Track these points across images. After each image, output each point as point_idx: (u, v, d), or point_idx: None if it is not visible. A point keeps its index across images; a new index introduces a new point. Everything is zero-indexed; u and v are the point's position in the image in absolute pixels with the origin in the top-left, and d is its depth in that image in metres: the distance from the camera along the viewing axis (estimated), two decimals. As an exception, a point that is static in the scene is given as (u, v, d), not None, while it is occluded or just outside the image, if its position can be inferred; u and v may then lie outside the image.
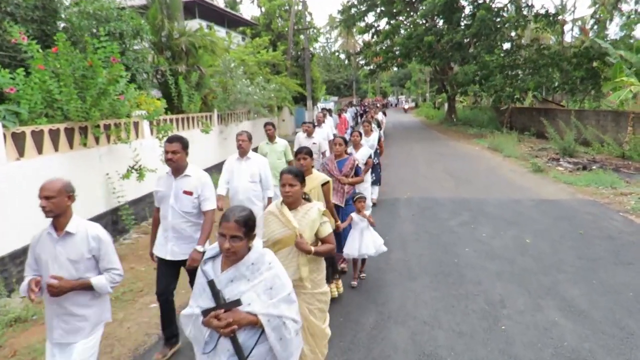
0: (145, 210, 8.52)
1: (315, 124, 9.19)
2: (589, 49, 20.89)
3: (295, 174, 2.88)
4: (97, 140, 7.28)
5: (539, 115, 22.21)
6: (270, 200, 5.09)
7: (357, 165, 5.35)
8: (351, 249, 4.82)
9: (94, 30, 8.45)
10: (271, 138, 6.54)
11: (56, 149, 6.36)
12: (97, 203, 7.12)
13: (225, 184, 5.16)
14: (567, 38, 32.32)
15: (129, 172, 7.58)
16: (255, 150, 5.74)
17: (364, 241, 4.80)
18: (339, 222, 4.58)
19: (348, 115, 17.57)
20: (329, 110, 15.10)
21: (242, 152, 5.08)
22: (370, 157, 6.70)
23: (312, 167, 4.04)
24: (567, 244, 5.95)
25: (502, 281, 4.79)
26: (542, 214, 7.47)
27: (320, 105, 33.28)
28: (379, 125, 10.71)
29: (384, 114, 19.63)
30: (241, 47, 19.60)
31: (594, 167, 12.22)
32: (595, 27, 30.73)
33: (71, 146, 6.72)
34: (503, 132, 21.35)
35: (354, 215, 4.88)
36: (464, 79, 22.85)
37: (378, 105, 23.64)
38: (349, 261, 5.20)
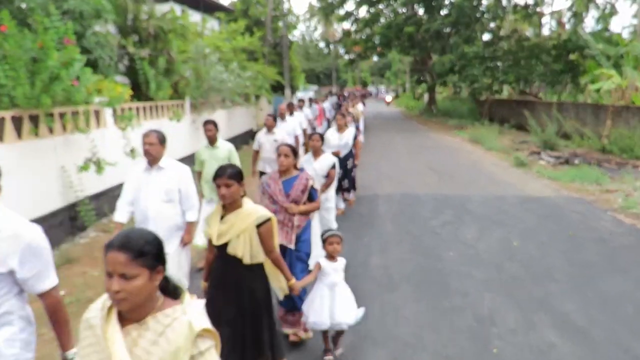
0: (106, 206, 7.86)
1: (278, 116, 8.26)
2: (567, 42, 20.83)
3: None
4: (51, 129, 6.60)
5: (519, 107, 22.08)
6: (191, 226, 3.83)
7: (312, 186, 3.64)
8: (320, 317, 3.15)
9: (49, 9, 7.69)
10: (212, 140, 5.31)
11: (0, 138, 5.69)
12: (51, 198, 6.45)
13: (127, 205, 3.81)
14: (545, 31, 32.51)
15: (86, 164, 6.90)
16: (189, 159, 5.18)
17: (339, 303, 3.18)
18: (292, 279, 2.95)
19: (327, 104, 16.94)
20: (310, 100, 14.43)
21: (151, 160, 3.78)
22: (333, 167, 5.02)
23: (242, 196, 2.68)
24: (556, 247, 5.59)
25: (491, 291, 4.37)
26: (528, 212, 7.13)
27: (299, 94, 32.62)
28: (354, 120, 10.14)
29: (363, 104, 19.13)
30: (216, 32, 18.74)
31: (576, 162, 12.03)
32: (572, 20, 30.87)
33: (20, 136, 6.04)
34: (483, 124, 21.20)
35: (322, 262, 3.25)
36: (442, 69, 22.58)
37: (357, 94, 23.08)
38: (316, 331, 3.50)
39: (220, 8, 27.23)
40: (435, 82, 25.42)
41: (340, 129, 6.95)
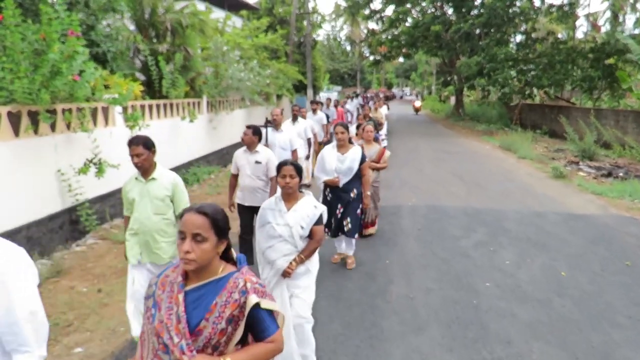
0: (107, 210, 7.36)
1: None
2: (605, 45, 19.56)
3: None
4: (52, 127, 6.13)
5: (552, 112, 20.91)
6: None
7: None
8: None
9: (54, -1, 7.24)
10: (145, 171, 3.38)
11: None
12: (50, 200, 5.98)
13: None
14: (578, 34, 30.96)
15: (86, 166, 6.39)
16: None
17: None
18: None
19: (350, 106, 16.17)
20: (328, 102, 13.48)
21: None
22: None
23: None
24: (613, 279, 4.74)
25: (539, 339, 3.58)
26: (573, 233, 6.25)
27: (322, 94, 31.97)
28: (376, 127, 9.00)
29: (387, 107, 18.27)
30: (237, 29, 18.24)
31: (620, 174, 11.00)
32: (608, 23, 29.30)
33: (17, 133, 5.57)
34: (514, 130, 20.10)
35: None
36: (468, 71, 21.52)
37: (381, 96, 22.21)
38: None
39: (246, 6, 26.84)
40: (463, 85, 24.28)
41: (342, 146, 4.98)
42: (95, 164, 6.38)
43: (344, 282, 4.55)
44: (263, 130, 5.53)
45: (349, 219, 4.92)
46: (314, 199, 3.12)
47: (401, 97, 67.20)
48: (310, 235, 3.02)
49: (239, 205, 4.98)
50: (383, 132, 13.51)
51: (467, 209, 7.47)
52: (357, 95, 23.00)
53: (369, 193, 5.05)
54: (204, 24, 11.92)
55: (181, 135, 10.39)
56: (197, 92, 11.94)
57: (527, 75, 20.61)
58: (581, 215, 7.11)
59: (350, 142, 5.07)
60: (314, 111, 10.32)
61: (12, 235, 5.49)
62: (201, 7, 15.10)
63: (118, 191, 7.65)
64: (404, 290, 4.48)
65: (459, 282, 4.64)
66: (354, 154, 4.89)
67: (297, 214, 2.97)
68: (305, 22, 25.29)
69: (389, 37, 26.10)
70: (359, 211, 4.99)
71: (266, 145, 5.62)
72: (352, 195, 4.94)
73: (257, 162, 4.75)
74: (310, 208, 3.01)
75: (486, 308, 4.08)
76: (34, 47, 5.62)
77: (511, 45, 23.90)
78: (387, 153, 5.89)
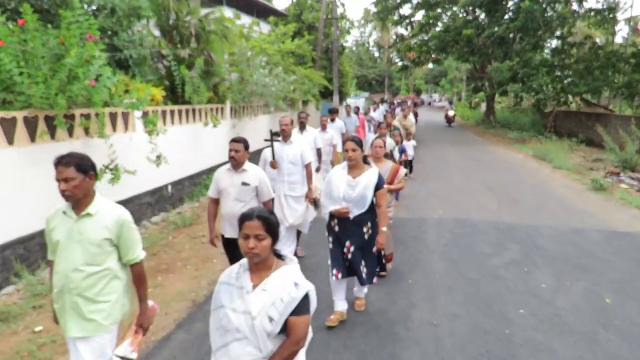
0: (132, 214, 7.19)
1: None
2: (650, 49, 18.53)
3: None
4: (70, 132, 6.05)
5: (589, 120, 19.92)
6: None
7: None
8: None
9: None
10: (77, 203, 2.47)
11: (10, 142, 5.17)
12: None
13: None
14: (617, 38, 29.57)
15: (101, 171, 6.25)
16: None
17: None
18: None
19: (376, 114, 15.72)
20: (349, 109, 12.87)
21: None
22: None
23: None
24: (666, 310, 4.20)
25: (583, 381, 3.12)
26: (618, 253, 5.68)
27: (350, 100, 31.64)
28: (402, 136, 8.45)
29: (415, 114, 17.46)
30: (264, 35, 18.16)
31: (665, 187, 10.21)
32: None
33: (32, 139, 5.49)
34: (547, 138, 19.24)
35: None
36: (500, 77, 20.74)
37: (409, 103, 21.64)
38: None
39: (274, 12, 26.89)
40: (495, 91, 23.46)
41: (353, 167, 3.89)
42: (110, 169, 6.23)
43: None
44: (269, 146, 5.27)
45: (363, 263, 3.88)
46: (297, 271, 2.05)
47: (429, 104, 66.12)
48: (286, 332, 1.96)
49: (223, 237, 4.14)
50: (409, 148, 12.67)
51: (498, 223, 6.96)
52: (383, 102, 22.51)
53: (384, 229, 3.85)
54: (227, 30, 11.80)
55: (203, 141, 10.27)
56: (220, 97, 11.83)
57: (563, 82, 19.68)
58: (625, 234, 6.49)
59: (365, 161, 3.91)
60: (333, 120, 9.76)
61: (26, 242, 5.39)
62: (229, 13, 15.13)
63: (136, 197, 7.56)
64: (427, 315, 4.07)
65: (489, 308, 4.19)
66: (369, 177, 3.76)
67: (266, 296, 1.95)
68: (333, 28, 25.05)
69: (418, 42, 25.59)
70: (374, 249, 3.91)
71: (273, 161, 5.19)
72: (364, 230, 3.83)
73: (244, 184, 3.90)
74: (287, 287, 1.96)
75: (520, 340, 3.62)
76: (54, 52, 5.55)
77: (546, 51, 23.01)
78: (403, 171, 4.87)
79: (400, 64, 31.40)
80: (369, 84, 55.53)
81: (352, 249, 3.86)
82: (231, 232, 3.94)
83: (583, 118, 20.72)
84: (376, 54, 56.31)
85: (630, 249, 5.85)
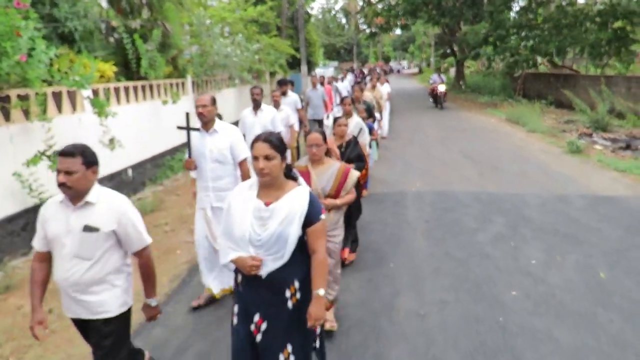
0: None
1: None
2: (615, 7, 18.37)
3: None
4: (6, 116, 5.32)
5: (557, 82, 19.88)
6: None
7: None
8: None
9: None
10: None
11: None
12: (6, 199, 5.18)
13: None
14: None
15: (36, 157, 5.54)
16: None
17: None
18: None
19: (345, 84, 15.05)
20: (315, 80, 10.65)
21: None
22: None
23: None
24: (664, 281, 3.95)
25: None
26: (605, 220, 5.44)
27: (318, 70, 30.74)
28: (370, 114, 6.77)
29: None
30: (223, 3, 17.08)
31: (639, 146, 10.16)
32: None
33: (-41, 124, 4.77)
34: (517, 101, 19.13)
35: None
36: (475, 40, 20.29)
37: (378, 71, 20.98)
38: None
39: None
40: (467, 56, 23.05)
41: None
42: (48, 156, 5.53)
43: (342, 295, 3.76)
44: (189, 137, 3.81)
45: (289, 350, 2.24)
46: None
47: (398, 71, 65.58)
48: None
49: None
50: (385, 116, 11.46)
51: (481, 194, 6.64)
52: (352, 71, 21.79)
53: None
54: (182, -5, 10.84)
55: (163, 120, 9.53)
56: (180, 71, 11.01)
57: (533, 42, 19.42)
58: (609, 198, 6.28)
59: (289, 174, 2.32)
60: (284, 93, 7.95)
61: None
62: None
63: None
64: (414, 304, 3.69)
65: (479, 292, 3.85)
66: (291, 204, 2.19)
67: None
68: (297, -6, 23.96)
69: (386, 7, 24.82)
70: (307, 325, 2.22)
71: (189, 160, 3.76)
72: (287, 295, 2.24)
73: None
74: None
75: (516, 328, 3.29)
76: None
77: (507, 14, 22.66)
78: (354, 175, 3.28)
79: (368, 31, 30.57)
80: (337, 53, 54.45)
81: (263, 326, 2.24)
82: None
83: (551, 80, 20.65)
84: (343, 21, 55.01)
85: (616, 215, 5.63)
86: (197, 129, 3.79)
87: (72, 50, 7.41)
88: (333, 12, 53.70)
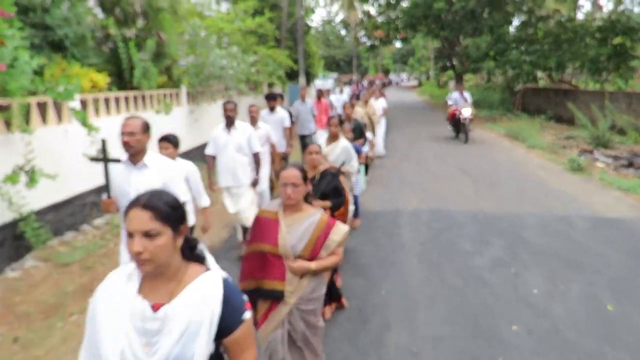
0: (64, 221, 6.32)
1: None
2: (615, 23, 18.34)
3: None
4: None
5: (557, 97, 19.77)
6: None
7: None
8: None
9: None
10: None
11: None
12: None
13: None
14: (579, 15, 29.43)
15: (15, 174, 5.27)
16: None
17: None
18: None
19: (344, 97, 14.80)
20: (304, 92, 10.01)
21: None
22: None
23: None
24: (675, 315, 3.66)
25: None
26: (608, 244, 5.16)
27: (318, 82, 30.61)
28: (360, 134, 6.29)
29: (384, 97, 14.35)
30: (221, 13, 16.96)
31: (644, 164, 9.94)
32: (611, 2, 28.02)
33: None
34: (517, 116, 18.96)
35: None
36: (476, 53, 20.15)
37: (377, 83, 20.72)
38: None
39: (234, -10, 25.49)
40: (467, 69, 22.90)
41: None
42: (26, 172, 5.26)
43: (328, 328, 3.47)
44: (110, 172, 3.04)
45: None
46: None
47: (397, 84, 65.71)
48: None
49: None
50: (379, 134, 10.58)
51: (478, 214, 6.36)
52: (351, 82, 21.57)
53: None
54: (179, 7, 10.68)
55: (157, 130, 9.30)
56: (174, 82, 10.81)
57: (533, 56, 19.33)
58: (613, 220, 6.00)
59: (190, 255, 1.52)
60: (272, 109, 7.03)
61: None
62: None
63: (78, 197, 6.58)
64: (406, 339, 3.39)
65: (477, 325, 3.55)
66: (196, 303, 1.38)
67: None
68: (297, 6, 23.93)
69: (386, 20, 24.78)
70: None
71: (107, 200, 2.99)
72: None
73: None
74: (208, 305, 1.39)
75: (518, 370, 3.00)
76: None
77: (506, 29, 22.62)
78: (341, 230, 2.44)
79: (368, 43, 30.54)
80: (337, 65, 54.53)
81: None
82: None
83: (551, 95, 20.53)
84: (343, 33, 55.21)
85: (620, 238, 5.35)
86: (118, 161, 3.04)
87: (65, 59, 7.21)
88: (333, 25, 53.87)
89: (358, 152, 5.18)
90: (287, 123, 7.11)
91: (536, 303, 3.86)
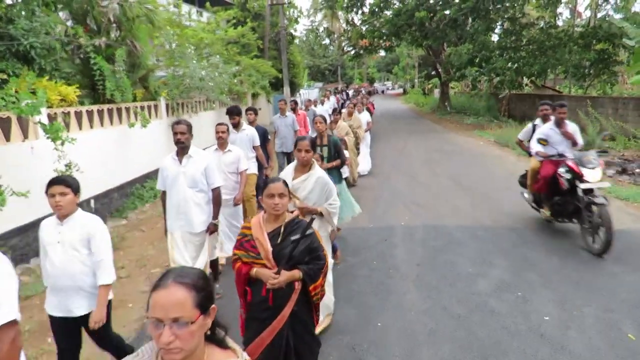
0: (31, 246, 5.82)
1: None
2: (597, 29, 18.45)
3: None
4: None
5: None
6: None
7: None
8: None
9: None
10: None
11: None
12: None
13: None
14: (559, 22, 29.75)
15: (-24, 195, 4.76)
16: None
17: None
18: None
19: (325, 107, 14.43)
20: (284, 105, 8.86)
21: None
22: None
23: None
24: None
25: None
26: (618, 260, 4.78)
27: (303, 91, 30.28)
28: (337, 153, 5.05)
29: (369, 109, 13.68)
30: (202, 23, 16.54)
31: (636, 170, 9.70)
32: (589, 9, 28.42)
33: None
34: (503, 122, 18.84)
35: None
36: (459, 61, 20.08)
37: (363, 91, 20.42)
38: None
39: (218, 2, 25.11)
40: (452, 77, 22.83)
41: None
42: (-8, 190, 4.74)
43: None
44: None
45: None
46: None
47: (382, 92, 65.87)
48: None
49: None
50: (364, 151, 9.71)
51: (476, 229, 5.97)
52: (337, 92, 21.28)
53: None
54: (153, 13, 10.22)
55: (133, 145, 8.84)
56: (152, 93, 10.34)
57: (518, 63, 19.31)
58: (618, 233, 5.63)
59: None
60: (236, 126, 5.84)
61: None
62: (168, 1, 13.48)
63: (46, 218, 6.07)
64: (408, 386, 2.95)
65: (488, 364, 3.13)
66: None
67: None
68: (279, 15, 23.65)
69: (370, 29, 24.65)
70: None
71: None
72: None
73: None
74: None
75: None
76: None
77: (496, 32, 22.65)
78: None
79: (352, 52, 30.38)
80: (322, 74, 54.38)
81: None
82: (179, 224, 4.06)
83: (536, 100, 20.46)
84: (327, 42, 55.18)
85: (629, 253, 4.99)
86: None
87: (32, 71, 6.72)
88: (317, 34, 53.81)
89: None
90: (257, 141, 6.01)
91: (550, 334, 3.45)
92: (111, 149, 8.05)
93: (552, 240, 5.52)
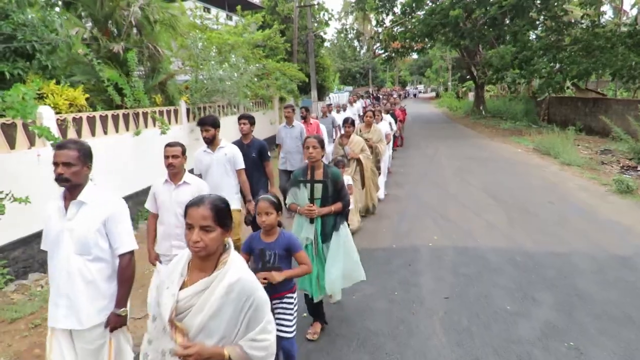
0: (35, 258, 5.52)
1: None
2: (650, 28, 17.05)
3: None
4: None
5: (585, 106, 18.42)
6: None
7: None
8: None
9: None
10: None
11: None
12: None
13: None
14: (601, 20, 27.99)
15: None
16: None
17: None
18: None
19: (353, 110, 13.78)
20: (290, 113, 7.14)
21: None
22: None
23: None
24: None
25: None
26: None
27: (332, 95, 29.71)
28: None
29: (399, 115, 12.85)
30: (229, 26, 16.25)
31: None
32: (636, 8, 26.57)
33: None
34: (542, 127, 17.67)
35: None
36: (500, 62, 18.91)
37: (394, 95, 19.61)
38: None
39: (247, 5, 24.98)
40: (490, 78, 21.56)
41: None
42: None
43: None
44: None
45: None
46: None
47: (414, 96, 64.55)
48: None
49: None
50: (383, 168, 7.92)
51: (515, 253, 5.19)
52: (365, 95, 20.54)
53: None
54: (175, 18, 9.90)
55: (151, 152, 8.48)
56: (171, 98, 10.01)
57: (562, 64, 18.06)
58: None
59: None
60: (208, 140, 4.62)
61: None
62: (199, 6, 13.24)
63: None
64: None
65: None
66: None
67: None
68: (307, 17, 23.21)
69: (402, 29, 23.86)
70: None
71: None
72: None
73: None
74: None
75: None
76: None
77: (537, 31, 21.38)
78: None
79: (384, 55, 29.64)
80: (353, 78, 53.72)
81: None
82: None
83: (579, 104, 19.18)
84: (357, 44, 54.52)
85: None
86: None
87: (31, 68, 6.42)
88: (348, 37, 53.24)
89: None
90: (240, 164, 4.57)
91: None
92: (127, 156, 7.74)
93: (606, 269, 4.70)
